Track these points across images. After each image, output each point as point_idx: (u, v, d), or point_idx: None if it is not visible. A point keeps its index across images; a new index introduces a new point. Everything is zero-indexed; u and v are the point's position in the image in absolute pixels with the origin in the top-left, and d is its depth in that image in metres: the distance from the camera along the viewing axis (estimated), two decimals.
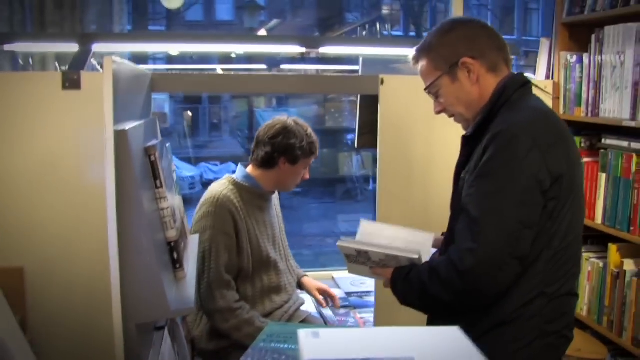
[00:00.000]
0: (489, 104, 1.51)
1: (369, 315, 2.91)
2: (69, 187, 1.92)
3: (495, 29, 1.60)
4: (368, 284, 3.19)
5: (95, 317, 1.69)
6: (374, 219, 2.41)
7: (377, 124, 2.40)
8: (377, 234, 1.70)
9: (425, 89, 1.61)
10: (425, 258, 1.60)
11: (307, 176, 2.43)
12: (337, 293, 2.95)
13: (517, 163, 1.37)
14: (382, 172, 2.41)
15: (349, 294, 3.01)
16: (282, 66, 4.53)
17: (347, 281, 3.12)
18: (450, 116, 1.63)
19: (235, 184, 2.31)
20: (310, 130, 2.36)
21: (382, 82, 2.37)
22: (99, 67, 2.27)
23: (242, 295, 2.25)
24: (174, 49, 2.45)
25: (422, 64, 1.60)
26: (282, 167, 2.31)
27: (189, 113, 11.40)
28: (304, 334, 0.88)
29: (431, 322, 1.64)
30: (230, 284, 2.19)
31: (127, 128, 1.44)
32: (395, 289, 1.57)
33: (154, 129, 1.95)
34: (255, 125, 9.79)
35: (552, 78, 2.66)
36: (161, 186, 1.65)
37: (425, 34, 1.66)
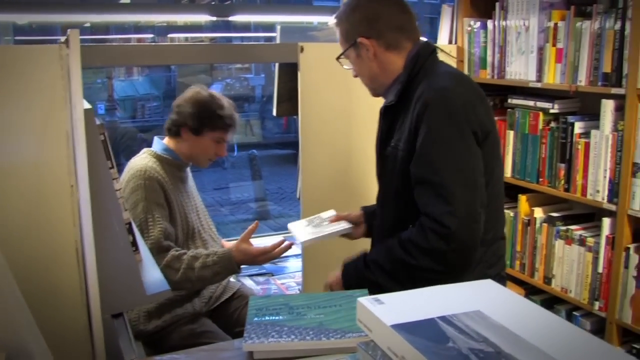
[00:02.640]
0: (404, 73, 1.59)
1: (288, 280, 2.98)
2: None
3: (401, 6, 1.64)
4: None
5: (63, 310, 1.55)
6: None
7: (296, 92, 2.40)
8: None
9: (337, 58, 1.70)
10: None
11: (223, 153, 2.32)
12: None
13: (457, 123, 1.46)
14: (304, 139, 2.44)
15: None
16: (170, 35, 4.32)
17: None
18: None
19: (157, 156, 2.21)
20: (225, 105, 2.25)
21: (302, 50, 2.37)
22: None
23: None
24: (72, 19, 2.25)
25: (337, 32, 1.70)
26: (184, 136, 2.23)
27: None
28: (368, 302, 0.89)
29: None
30: (170, 248, 2.07)
31: (86, 106, 1.34)
32: (358, 279, 1.60)
33: None
34: (115, 95, 9.41)
35: (455, 43, 2.82)
36: (112, 166, 1.56)
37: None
